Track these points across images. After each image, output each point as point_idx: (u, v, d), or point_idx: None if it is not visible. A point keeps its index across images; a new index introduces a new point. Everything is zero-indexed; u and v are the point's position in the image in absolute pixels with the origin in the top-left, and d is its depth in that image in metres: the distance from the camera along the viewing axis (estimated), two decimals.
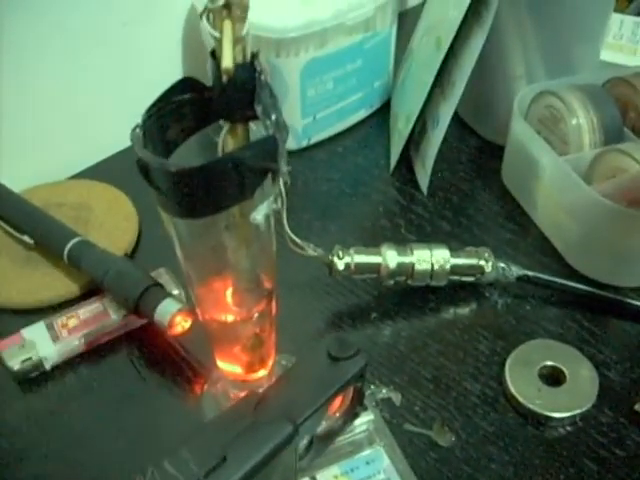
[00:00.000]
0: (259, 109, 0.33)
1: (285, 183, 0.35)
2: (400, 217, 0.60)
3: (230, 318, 0.41)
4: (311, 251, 0.50)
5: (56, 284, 0.55)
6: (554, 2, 0.59)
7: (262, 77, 0.33)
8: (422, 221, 0.59)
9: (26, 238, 0.57)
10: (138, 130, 0.34)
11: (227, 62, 0.30)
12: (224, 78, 0.31)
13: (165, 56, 0.68)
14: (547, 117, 0.59)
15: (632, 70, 0.62)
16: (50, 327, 0.51)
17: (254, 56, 0.33)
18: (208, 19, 0.32)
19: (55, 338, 0.50)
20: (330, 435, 0.43)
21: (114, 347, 0.51)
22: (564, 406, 0.47)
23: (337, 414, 0.43)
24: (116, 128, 0.67)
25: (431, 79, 0.57)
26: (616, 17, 0.74)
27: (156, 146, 0.35)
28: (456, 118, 0.69)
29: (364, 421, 0.45)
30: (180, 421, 0.47)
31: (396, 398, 0.48)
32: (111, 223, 0.59)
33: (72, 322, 0.51)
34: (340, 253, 0.51)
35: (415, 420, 0.47)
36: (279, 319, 0.47)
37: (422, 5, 0.67)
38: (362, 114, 0.68)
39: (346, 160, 0.66)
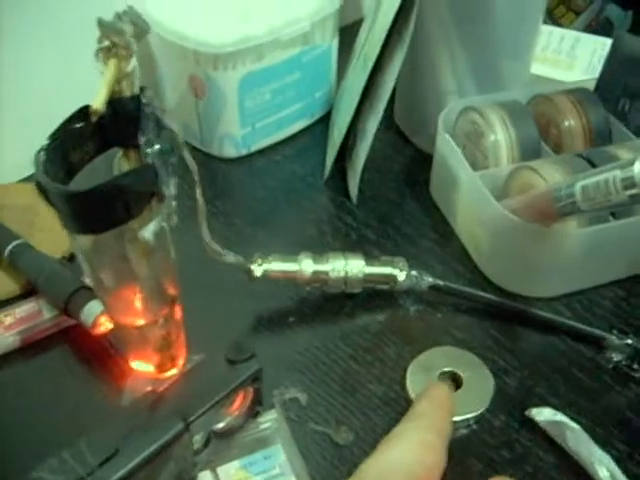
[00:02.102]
0: (142, 139, 0.36)
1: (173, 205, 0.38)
2: (328, 225, 0.63)
3: (138, 322, 0.45)
4: (230, 258, 0.53)
5: None
6: (480, 19, 0.62)
7: (147, 110, 0.36)
8: (349, 229, 0.63)
9: None
10: (42, 154, 0.37)
11: (97, 104, 0.33)
12: (92, 118, 0.34)
13: None
14: (471, 132, 0.62)
15: (555, 88, 0.65)
16: None
17: (142, 90, 0.37)
18: (98, 57, 0.36)
19: None
20: (231, 432, 0.46)
21: (48, 344, 0.55)
22: (459, 410, 0.50)
23: (237, 413, 0.46)
24: None
25: (358, 94, 0.60)
26: (557, 32, 0.77)
27: (59, 169, 0.38)
28: (394, 128, 0.73)
29: (268, 419, 0.49)
30: (104, 415, 0.50)
31: (302, 398, 0.51)
32: (54, 227, 0.62)
33: (8, 320, 0.54)
34: (259, 260, 0.54)
35: (319, 419, 0.50)
36: (200, 321, 0.51)
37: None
38: (303, 123, 0.71)
39: (283, 168, 0.69)
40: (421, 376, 0.52)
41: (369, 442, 0.49)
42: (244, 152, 0.68)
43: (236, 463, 0.47)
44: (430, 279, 0.56)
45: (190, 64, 0.63)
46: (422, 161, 0.68)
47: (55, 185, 0.36)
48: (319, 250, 0.56)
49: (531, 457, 0.48)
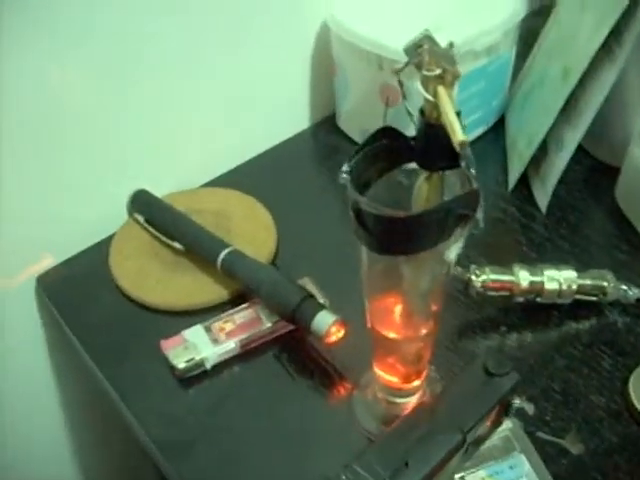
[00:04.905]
0: (463, 163, 0.37)
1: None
2: (521, 235, 0.64)
3: (397, 335, 0.46)
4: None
5: (207, 288, 0.60)
6: None
7: None
8: (542, 240, 0.63)
9: (177, 244, 0.62)
10: (346, 175, 0.39)
11: (461, 136, 0.34)
12: (458, 148, 0.35)
13: (294, 71, 0.73)
14: None
15: None
16: (208, 330, 0.56)
17: (457, 114, 0.37)
18: (422, 83, 0.37)
19: (214, 341, 0.55)
20: (479, 441, 0.48)
21: (265, 349, 0.56)
22: None
23: (488, 422, 0.47)
24: (245, 137, 0.72)
25: (558, 107, 0.61)
26: None
27: (354, 186, 0.39)
28: None
29: (503, 428, 0.50)
30: (330, 421, 0.52)
31: (529, 408, 0.52)
32: (251, 232, 0.63)
33: (228, 326, 0.56)
34: (477, 272, 0.55)
35: (546, 429, 0.51)
36: None
37: (538, 22, 0.70)
38: (479, 131, 0.72)
39: None
40: None
41: (599, 452, 0.50)
42: None
43: (482, 472, 0.48)
44: (638, 292, 0.57)
45: (386, 73, 0.64)
46: (602, 170, 0.69)
47: (379, 208, 0.37)
48: (518, 259, 0.57)
49: None
